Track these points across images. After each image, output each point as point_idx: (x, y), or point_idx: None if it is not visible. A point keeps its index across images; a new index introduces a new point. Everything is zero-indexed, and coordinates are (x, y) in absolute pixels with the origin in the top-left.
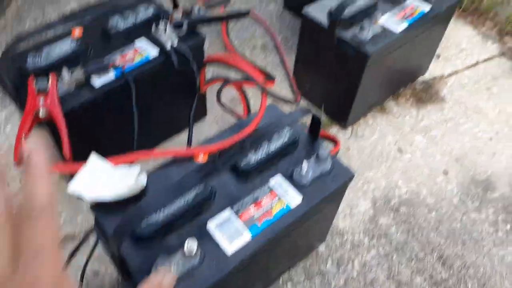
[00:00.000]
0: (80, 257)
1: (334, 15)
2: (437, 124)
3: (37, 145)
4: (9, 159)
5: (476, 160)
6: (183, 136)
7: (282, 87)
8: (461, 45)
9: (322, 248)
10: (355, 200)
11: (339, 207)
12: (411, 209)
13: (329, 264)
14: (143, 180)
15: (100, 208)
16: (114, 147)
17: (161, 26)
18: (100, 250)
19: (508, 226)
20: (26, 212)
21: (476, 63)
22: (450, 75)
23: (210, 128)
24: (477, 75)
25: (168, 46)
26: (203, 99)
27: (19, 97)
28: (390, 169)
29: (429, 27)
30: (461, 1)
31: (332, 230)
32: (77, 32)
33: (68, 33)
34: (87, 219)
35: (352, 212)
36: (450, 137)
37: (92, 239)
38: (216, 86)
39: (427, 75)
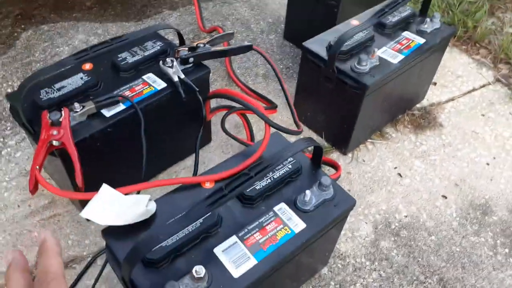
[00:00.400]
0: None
1: (334, 48)
2: (435, 150)
3: (48, 233)
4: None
5: (475, 184)
6: (188, 160)
7: (283, 114)
8: (457, 73)
9: (324, 271)
10: (357, 224)
11: (340, 233)
12: (411, 233)
13: (331, 287)
14: (152, 207)
15: (111, 234)
16: (124, 173)
17: (169, 60)
18: (107, 272)
19: (507, 250)
20: (44, 279)
21: (472, 90)
22: (447, 101)
23: (215, 153)
24: (473, 101)
25: (175, 79)
26: (208, 126)
27: (33, 129)
28: (391, 193)
29: (425, 58)
30: (455, 33)
31: (334, 253)
32: (88, 66)
33: (79, 68)
34: (95, 242)
35: (354, 236)
36: (449, 162)
37: (99, 261)
38: (220, 113)
39: (424, 102)
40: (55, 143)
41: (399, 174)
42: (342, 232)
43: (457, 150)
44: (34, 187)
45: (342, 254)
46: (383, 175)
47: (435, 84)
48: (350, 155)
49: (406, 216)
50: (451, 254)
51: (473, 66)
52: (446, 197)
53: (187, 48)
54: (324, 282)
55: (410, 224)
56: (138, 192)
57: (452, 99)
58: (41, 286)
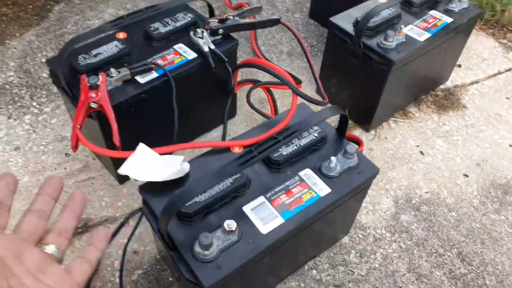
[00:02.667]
0: (121, 238)
1: (361, 24)
2: (458, 130)
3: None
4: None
5: (496, 165)
6: (214, 133)
7: (307, 91)
8: (483, 56)
9: (345, 240)
10: (378, 198)
11: (362, 204)
12: (431, 208)
13: (352, 255)
14: (186, 167)
15: (147, 190)
16: (156, 138)
17: (199, 31)
18: (139, 231)
19: None
20: None
21: (498, 73)
22: (471, 83)
23: (240, 126)
24: (497, 84)
25: (205, 49)
26: (234, 100)
27: (72, 92)
28: (412, 170)
29: (451, 38)
30: (482, 14)
31: (355, 224)
32: (121, 35)
33: (113, 36)
34: (127, 204)
35: (375, 209)
36: (471, 142)
37: (132, 222)
38: (244, 88)
39: (448, 83)
40: (93, 105)
41: (421, 152)
42: (363, 205)
43: (480, 131)
44: (75, 145)
45: (363, 225)
46: (405, 153)
47: (459, 66)
48: (372, 132)
49: (426, 192)
50: (470, 230)
51: (499, 50)
52: (467, 176)
53: (217, 20)
54: (345, 250)
55: (430, 200)
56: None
57: (477, 82)
58: None
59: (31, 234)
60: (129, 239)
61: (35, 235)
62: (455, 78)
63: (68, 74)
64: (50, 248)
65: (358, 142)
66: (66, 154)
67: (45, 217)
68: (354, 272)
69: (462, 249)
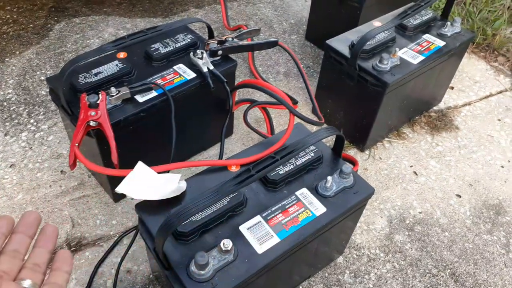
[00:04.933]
0: (114, 256)
1: (357, 46)
2: (451, 151)
3: None
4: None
5: (489, 185)
6: (211, 150)
7: (303, 111)
8: (475, 78)
9: (340, 260)
10: (372, 218)
11: (357, 224)
12: (425, 228)
13: (346, 275)
14: (183, 185)
15: (144, 208)
16: (154, 156)
17: (199, 52)
18: (132, 250)
19: None
20: None
21: (489, 95)
22: (463, 105)
23: (236, 145)
24: (489, 106)
25: (204, 70)
26: (231, 119)
27: (71, 111)
28: (406, 190)
29: (444, 61)
30: (474, 38)
31: (350, 244)
32: (122, 55)
33: (114, 56)
34: (121, 223)
35: (369, 228)
36: (464, 163)
37: (126, 240)
38: (241, 108)
39: (442, 105)
40: (92, 123)
41: (415, 173)
42: (358, 225)
43: (472, 152)
44: (73, 163)
45: (357, 245)
46: (399, 173)
47: (452, 88)
48: (367, 152)
49: (420, 212)
50: (463, 250)
51: (491, 73)
52: (460, 196)
53: (216, 42)
54: (340, 270)
55: (424, 220)
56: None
57: (469, 103)
58: None
59: (6, 273)
60: (122, 258)
61: (10, 274)
62: (448, 99)
63: (68, 93)
64: (27, 283)
65: (353, 162)
66: (61, 171)
67: (19, 257)
68: None
69: (456, 270)
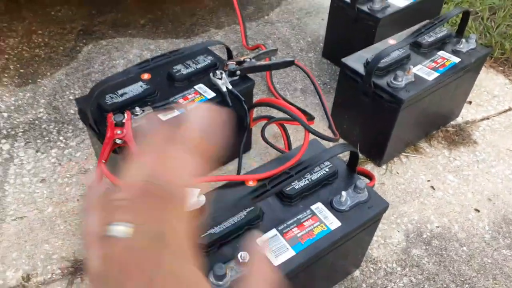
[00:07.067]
0: None
1: (372, 64)
2: (469, 165)
3: None
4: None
5: (508, 200)
6: (230, 166)
7: (319, 127)
8: (493, 92)
9: (357, 273)
10: (389, 232)
11: (374, 237)
12: (442, 243)
13: None
14: (202, 199)
15: None
16: None
17: (218, 72)
18: None
19: None
20: None
21: (508, 109)
22: (482, 119)
23: (254, 160)
24: (508, 120)
25: (224, 89)
26: (249, 135)
27: (98, 129)
28: (423, 205)
29: (459, 77)
30: (491, 53)
31: (366, 258)
32: (146, 76)
33: (138, 78)
34: None
35: (386, 242)
36: (482, 177)
37: None
38: (259, 124)
39: (459, 119)
40: (118, 141)
41: (432, 187)
42: (375, 238)
43: (491, 166)
44: (100, 178)
45: (374, 259)
46: (416, 187)
47: (470, 103)
48: (384, 167)
49: (437, 227)
50: (482, 265)
51: (510, 87)
52: (478, 211)
53: (234, 62)
54: (356, 284)
55: (441, 234)
56: None
57: (487, 118)
58: None
59: None
60: None
61: None
62: (466, 114)
63: (95, 112)
64: None
65: (370, 176)
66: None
67: None
68: None
69: (474, 285)
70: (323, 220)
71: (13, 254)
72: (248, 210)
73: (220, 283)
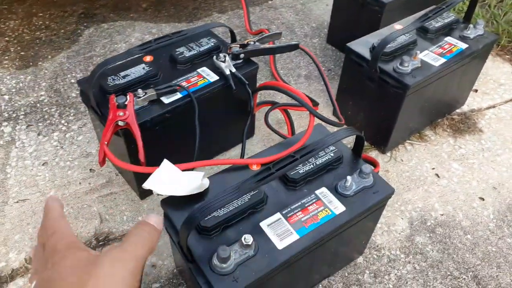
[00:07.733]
0: None
1: (377, 49)
2: (474, 154)
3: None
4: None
5: None
6: (232, 152)
7: (324, 112)
8: (500, 81)
9: (360, 260)
10: (393, 219)
11: (377, 224)
12: (447, 231)
13: (366, 275)
14: (206, 182)
15: (169, 204)
16: (179, 155)
17: (221, 55)
18: (157, 245)
19: None
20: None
21: None
22: (488, 108)
23: (257, 146)
24: None
25: (227, 72)
26: (252, 120)
27: (101, 111)
28: (427, 193)
29: (466, 63)
30: (498, 40)
31: (370, 245)
32: (148, 58)
33: (140, 60)
34: None
35: (390, 230)
36: (487, 166)
37: None
38: (262, 109)
39: (465, 108)
40: (120, 123)
41: (437, 175)
42: (378, 225)
43: (497, 155)
44: (103, 160)
45: (377, 246)
46: (421, 175)
47: (476, 91)
48: (388, 154)
49: (442, 215)
50: (486, 253)
51: None
52: (483, 199)
53: (238, 45)
54: (360, 270)
55: (445, 222)
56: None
57: (493, 106)
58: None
59: None
60: None
61: None
62: (472, 102)
63: (97, 94)
64: None
65: (374, 163)
66: (90, 169)
67: None
68: None
69: (478, 273)
70: (327, 204)
71: (15, 236)
72: (252, 193)
73: (224, 265)
